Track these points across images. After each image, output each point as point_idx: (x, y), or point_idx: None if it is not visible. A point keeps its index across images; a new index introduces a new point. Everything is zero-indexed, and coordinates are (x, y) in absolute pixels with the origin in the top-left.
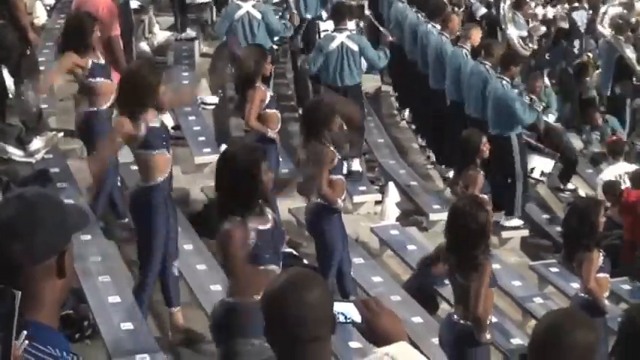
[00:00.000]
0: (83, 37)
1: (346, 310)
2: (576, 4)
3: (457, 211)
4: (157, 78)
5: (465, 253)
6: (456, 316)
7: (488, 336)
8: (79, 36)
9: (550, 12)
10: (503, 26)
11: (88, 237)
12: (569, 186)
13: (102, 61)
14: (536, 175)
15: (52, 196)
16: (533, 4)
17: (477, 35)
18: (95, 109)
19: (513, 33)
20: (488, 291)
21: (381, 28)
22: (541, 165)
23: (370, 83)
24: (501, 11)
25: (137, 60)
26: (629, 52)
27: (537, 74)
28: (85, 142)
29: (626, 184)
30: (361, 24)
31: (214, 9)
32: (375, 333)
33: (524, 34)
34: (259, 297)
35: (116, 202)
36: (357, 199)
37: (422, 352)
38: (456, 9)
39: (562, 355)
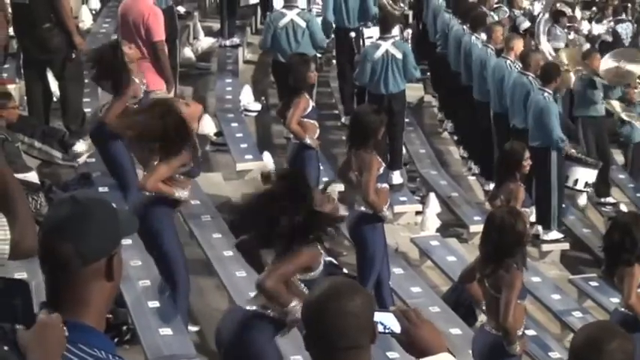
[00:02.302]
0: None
1: (386, 319)
2: (622, 17)
3: (493, 221)
4: None
5: (498, 264)
6: (488, 327)
7: (518, 348)
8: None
9: (595, 29)
10: (536, 39)
11: (129, 241)
12: (609, 199)
13: (144, 86)
14: (580, 186)
15: (104, 200)
16: (578, 17)
17: (519, 45)
18: None
19: (545, 47)
20: (517, 304)
21: None
22: (585, 176)
23: (413, 93)
24: (536, 25)
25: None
26: None
27: None
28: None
29: None
30: (405, 32)
31: (259, 15)
32: (414, 344)
33: (562, 45)
34: None
35: None
36: (397, 209)
37: None
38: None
39: None
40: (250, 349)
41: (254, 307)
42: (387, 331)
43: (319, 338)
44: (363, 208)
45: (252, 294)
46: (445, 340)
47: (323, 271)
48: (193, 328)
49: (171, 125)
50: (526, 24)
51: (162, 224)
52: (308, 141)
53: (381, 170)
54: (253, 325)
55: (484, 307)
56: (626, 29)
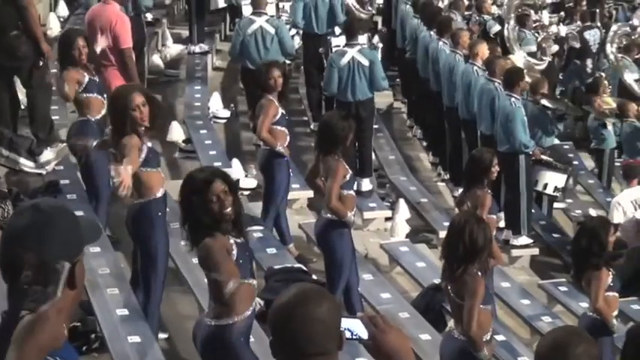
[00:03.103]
0: (70, 52)
1: (353, 326)
2: (589, 24)
3: (453, 228)
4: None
5: (460, 270)
6: (455, 333)
7: (486, 353)
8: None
9: (563, 30)
10: (510, 50)
11: (97, 249)
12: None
13: (95, 78)
14: (549, 190)
15: (67, 208)
16: (546, 21)
17: (484, 50)
18: (86, 118)
19: (519, 55)
20: (482, 309)
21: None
22: (554, 180)
23: (382, 99)
24: (505, 33)
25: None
26: (627, 75)
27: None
28: (73, 153)
29: None
30: (374, 40)
31: (227, 22)
32: (381, 350)
33: (534, 49)
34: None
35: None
36: (367, 215)
37: None
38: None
39: None
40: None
41: (212, 322)
42: (354, 337)
43: (286, 344)
44: (329, 215)
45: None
46: (412, 346)
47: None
48: (162, 335)
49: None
50: (496, 28)
51: (153, 228)
52: (280, 149)
53: (348, 177)
54: (217, 340)
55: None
56: (593, 35)
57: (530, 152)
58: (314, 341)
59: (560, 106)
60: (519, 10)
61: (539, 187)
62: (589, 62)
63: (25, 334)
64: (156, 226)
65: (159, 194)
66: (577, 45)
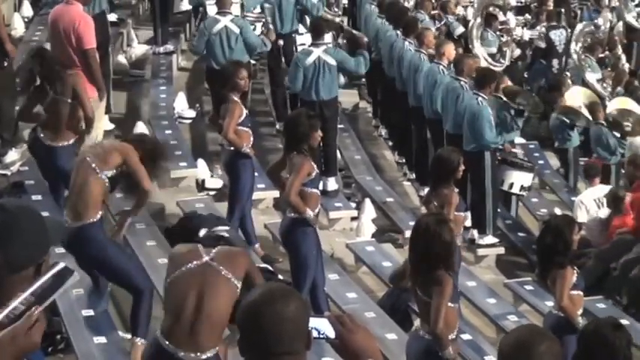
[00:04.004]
0: None
1: (320, 325)
2: (554, 23)
3: (419, 228)
4: None
5: (427, 270)
6: (421, 332)
7: (451, 351)
8: None
9: (526, 34)
10: (470, 45)
11: (62, 250)
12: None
13: None
14: (515, 190)
15: (32, 209)
16: (512, 23)
17: (450, 50)
18: None
19: (479, 51)
20: (450, 307)
21: (355, 32)
22: (520, 180)
23: (348, 99)
24: (469, 30)
25: None
26: (589, 75)
27: None
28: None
29: (604, 207)
30: (339, 39)
31: (192, 22)
32: (348, 349)
33: (494, 50)
34: None
35: None
36: (332, 215)
37: None
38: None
39: None
40: None
41: None
42: (321, 336)
43: (254, 343)
44: (293, 214)
45: None
46: (379, 346)
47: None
48: (126, 336)
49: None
50: (460, 29)
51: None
52: (245, 150)
53: (313, 175)
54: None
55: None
56: (559, 36)
57: (501, 146)
58: (282, 340)
59: (523, 102)
60: (488, 9)
61: (506, 187)
62: (555, 62)
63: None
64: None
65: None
66: (543, 45)
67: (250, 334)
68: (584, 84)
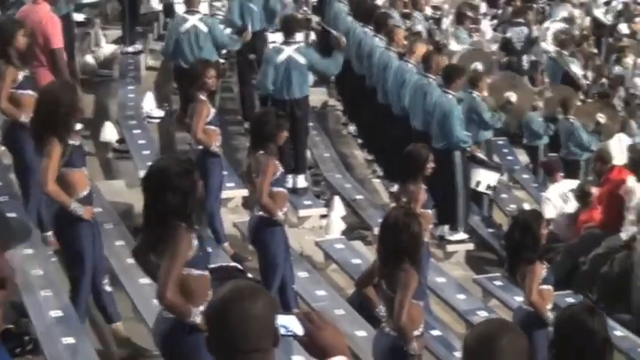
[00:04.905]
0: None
1: (288, 322)
2: (516, 20)
3: (388, 222)
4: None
5: (394, 265)
6: (387, 329)
7: (415, 347)
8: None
9: (489, 34)
10: (445, 42)
11: (30, 251)
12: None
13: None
14: (482, 188)
15: None
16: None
17: (421, 49)
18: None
19: (455, 48)
20: (413, 304)
21: (333, 32)
22: (486, 178)
23: (317, 97)
24: (443, 27)
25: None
26: (574, 67)
27: None
28: (12, 153)
29: (574, 200)
30: (310, 37)
31: (161, 22)
32: (317, 346)
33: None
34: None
35: (42, 216)
36: (302, 212)
37: None
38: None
39: None
40: (181, 357)
41: (170, 315)
42: (289, 333)
43: (222, 341)
44: (262, 213)
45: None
46: (348, 343)
47: (225, 277)
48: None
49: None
50: (419, 27)
51: (78, 229)
52: (214, 148)
53: (278, 174)
54: (175, 336)
55: (380, 312)
56: (519, 33)
57: (468, 148)
58: (249, 338)
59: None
60: (460, 7)
61: (472, 185)
62: (525, 58)
63: None
64: (80, 227)
65: (82, 194)
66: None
67: (217, 331)
68: (565, 79)
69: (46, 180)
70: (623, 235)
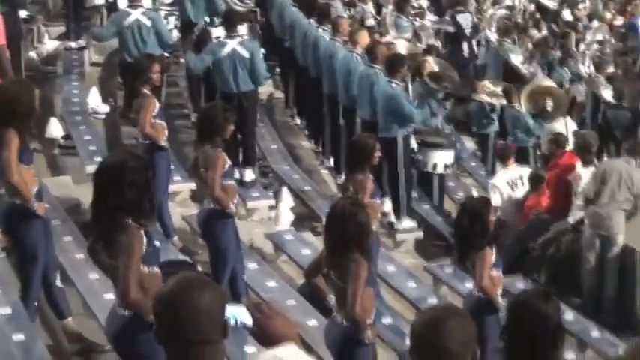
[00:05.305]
0: None
1: (238, 313)
2: (460, 8)
3: (334, 212)
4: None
5: (343, 253)
6: (338, 318)
7: (369, 335)
8: None
9: (430, 22)
10: (384, 32)
11: None
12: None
13: None
14: (440, 170)
15: None
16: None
17: (364, 38)
18: None
19: (400, 41)
20: (366, 291)
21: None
22: (443, 159)
23: (263, 89)
24: (382, 16)
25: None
26: (513, 57)
27: None
28: None
29: (522, 186)
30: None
31: (105, 17)
32: (267, 336)
33: (409, 36)
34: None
35: None
36: (250, 204)
37: (318, 356)
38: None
39: (441, 347)
40: (135, 354)
41: (126, 312)
42: (239, 324)
43: (171, 333)
44: (212, 205)
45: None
46: (299, 332)
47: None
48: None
49: None
50: (371, 21)
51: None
52: (162, 143)
53: (226, 167)
54: (131, 332)
55: (330, 301)
56: (465, 19)
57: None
58: (198, 330)
59: (448, 85)
60: None
61: (429, 168)
62: (465, 46)
63: None
64: (33, 224)
65: (33, 192)
66: (451, 29)
67: (166, 324)
68: (506, 68)
69: (11, 171)
70: (571, 220)
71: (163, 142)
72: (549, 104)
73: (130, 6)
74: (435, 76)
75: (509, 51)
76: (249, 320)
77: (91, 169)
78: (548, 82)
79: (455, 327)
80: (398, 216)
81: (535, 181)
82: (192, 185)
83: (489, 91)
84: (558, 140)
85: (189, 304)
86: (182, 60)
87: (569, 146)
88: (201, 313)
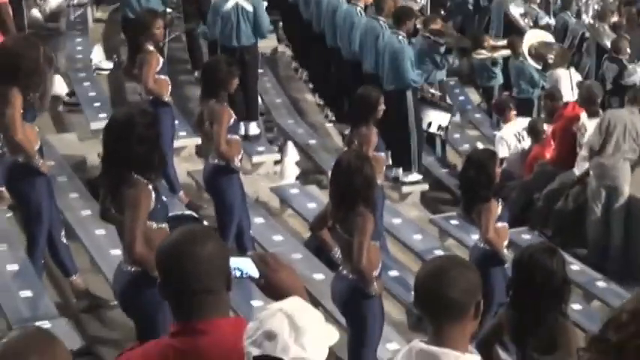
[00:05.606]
0: None
1: (243, 265)
2: None
3: (340, 165)
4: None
5: (349, 208)
6: (345, 271)
7: (376, 288)
8: None
9: None
10: None
11: None
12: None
13: None
14: (433, 129)
15: None
16: None
17: None
18: None
19: None
20: (372, 244)
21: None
22: (438, 119)
23: (266, 43)
24: None
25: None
26: (513, 9)
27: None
28: None
29: (528, 138)
30: None
31: None
32: (273, 288)
33: None
34: None
35: None
36: (256, 159)
37: (325, 309)
38: None
39: (444, 295)
40: (141, 310)
41: (132, 268)
42: (245, 276)
43: (174, 284)
44: (217, 160)
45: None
46: (304, 285)
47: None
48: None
49: None
50: None
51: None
52: (166, 98)
53: (232, 122)
54: (137, 288)
55: (335, 254)
56: None
57: (419, 87)
58: (200, 279)
59: (449, 39)
60: None
61: (424, 126)
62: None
63: None
64: (37, 181)
65: (35, 149)
66: None
67: (170, 275)
68: (507, 19)
69: (15, 127)
70: (576, 171)
71: (167, 98)
72: (551, 57)
73: None
74: (436, 31)
75: (511, 2)
76: (255, 272)
77: (95, 125)
78: (550, 37)
79: (458, 276)
80: (408, 168)
81: (533, 131)
82: (198, 140)
83: (491, 46)
84: (553, 94)
85: (191, 254)
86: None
87: (574, 97)
88: (204, 261)
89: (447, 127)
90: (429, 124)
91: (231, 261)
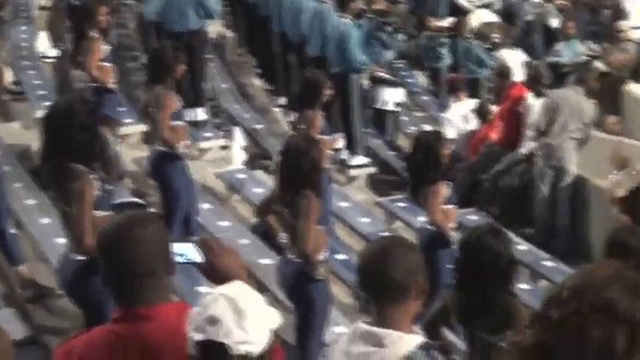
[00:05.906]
0: None
1: (186, 250)
2: None
3: (288, 149)
4: None
5: (296, 191)
6: (291, 255)
7: (322, 271)
8: None
9: None
10: None
11: None
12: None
13: None
14: (390, 107)
15: None
16: None
17: None
18: None
19: None
20: (318, 228)
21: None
22: (393, 96)
23: (213, 28)
24: None
25: None
26: None
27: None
28: None
29: (474, 119)
30: None
31: None
32: (216, 272)
33: None
34: None
35: None
36: (202, 145)
37: (272, 294)
38: None
39: (387, 275)
40: (89, 298)
41: (79, 257)
42: (187, 261)
43: (114, 267)
44: (162, 147)
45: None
46: (246, 268)
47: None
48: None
49: None
50: None
51: None
52: (110, 85)
53: (177, 108)
54: (84, 276)
55: (282, 239)
56: None
57: (369, 69)
58: (140, 262)
59: (396, 19)
60: None
61: (379, 105)
62: None
63: None
64: None
65: None
66: None
67: (111, 257)
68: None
69: None
70: (523, 151)
71: (111, 85)
72: (495, 36)
73: None
74: (382, 11)
75: None
76: (197, 257)
77: (40, 114)
78: (494, 17)
79: (400, 256)
80: (353, 152)
81: (480, 112)
82: (143, 127)
83: (436, 27)
84: (502, 72)
85: (131, 237)
86: (130, 1)
87: (521, 77)
88: (143, 244)
89: (402, 102)
90: (385, 102)
91: (174, 247)
